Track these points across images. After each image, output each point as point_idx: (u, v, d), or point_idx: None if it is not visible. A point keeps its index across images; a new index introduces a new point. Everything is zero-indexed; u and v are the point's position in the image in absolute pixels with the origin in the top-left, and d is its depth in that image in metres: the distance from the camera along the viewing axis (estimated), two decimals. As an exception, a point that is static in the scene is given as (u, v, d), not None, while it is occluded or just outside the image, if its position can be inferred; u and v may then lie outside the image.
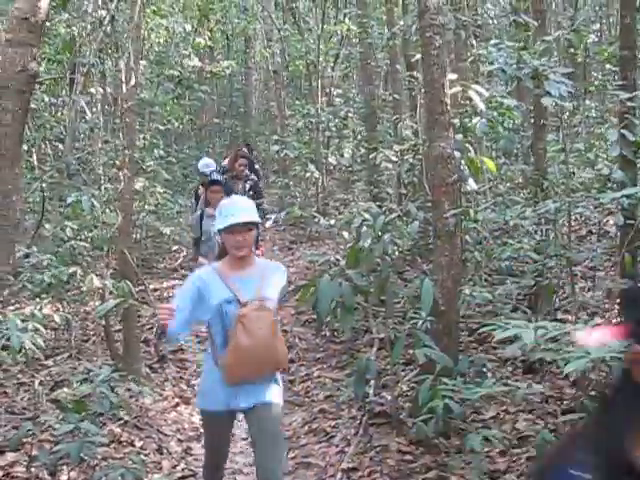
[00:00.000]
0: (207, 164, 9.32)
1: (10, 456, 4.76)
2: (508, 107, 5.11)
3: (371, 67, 10.54)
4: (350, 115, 12.99)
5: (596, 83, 12.37)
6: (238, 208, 3.47)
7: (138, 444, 5.16)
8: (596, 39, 14.14)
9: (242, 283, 3.46)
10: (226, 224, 3.39)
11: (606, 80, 11.44)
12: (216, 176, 8.88)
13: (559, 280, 5.70)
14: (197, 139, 18.54)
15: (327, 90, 12.93)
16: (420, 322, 4.37)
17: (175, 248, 11.54)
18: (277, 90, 15.67)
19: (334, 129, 11.66)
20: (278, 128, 14.72)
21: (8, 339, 3.96)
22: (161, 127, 13.86)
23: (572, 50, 11.09)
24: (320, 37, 11.26)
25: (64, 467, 4.33)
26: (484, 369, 4.81)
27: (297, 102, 14.04)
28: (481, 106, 4.55)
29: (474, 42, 8.07)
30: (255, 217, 3.49)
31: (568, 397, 4.93)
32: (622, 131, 3.77)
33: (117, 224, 6.26)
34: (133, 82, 6.26)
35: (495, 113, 4.59)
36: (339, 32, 12.78)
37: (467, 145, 4.65)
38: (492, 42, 4.03)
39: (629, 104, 3.84)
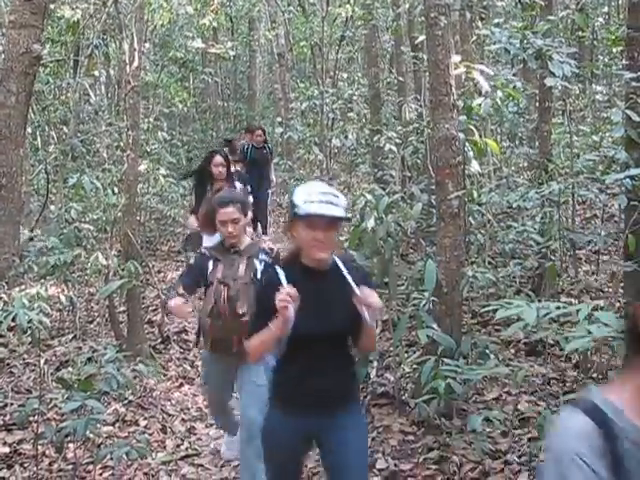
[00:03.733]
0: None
1: (18, 433, 4.84)
2: (514, 88, 5.08)
3: (375, 49, 10.48)
4: (355, 98, 12.95)
5: (602, 66, 12.29)
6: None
7: (142, 423, 5.22)
8: (604, 22, 14.03)
9: None
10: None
11: (613, 63, 11.37)
12: None
13: (562, 263, 5.70)
14: (202, 122, 18.49)
15: (331, 73, 12.87)
16: (423, 303, 4.37)
17: (179, 230, 11.58)
18: (281, 73, 15.62)
19: (338, 112, 11.62)
20: (282, 111, 14.70)
21: (14, 318, 3.98)
22: (165, 110, 13.84)
23: (580, 33, 11.03)
24: (324, 19, 11.20)
25: (70, 445, 4.39)
26: (487, 351, 4.82)
27: (301, 85, 13.97)
28: (485, 86, 4.53)
29: (480, 24, 8.01)
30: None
31: (570, 379, 4.96)
32: (627, 112, 3.75)
33: (121, 206, 6.28)
34: (136, 63, 6.24)
35: (499, 93, 4.56)
36: (343, 14, 12.70)
37: (471, 127, 4.64)
38: (495, 21, 4.00)
39: (634, 84, 3.82)
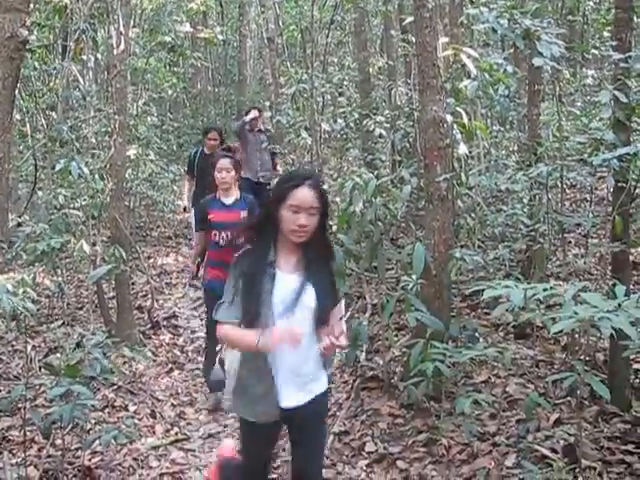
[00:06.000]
0: None
1: (6, 420, 4.82)
2: (504, 72, 5.05)
3: (365, 33, 10.42)
4: (345, 83, 12.88)
5: (593, 49, 12.23)
6: None
7: (132, 409, 5.21)
8: (594, 5, 13.95)
9: None
10: None
11: (603, 46, 11.32)
12: None
13: (551, 246, 5.70)
14: (192, 108, 18.39)
15: (321, 57, 12.78)
16: (410, 285, 4.36)
17: (169, 216, 11.54)
18: (271, 57, 15.51)
19: (329, 96, 11.57)
20: (272, 96, 14.61)
21: (-1, 305, 3.93)
22: (154, 95, 13.74)
23: (570, 17, 10.97)
24: (314, 3, 11.10)
25: (59, 431, 4.37)
26: (476, 334, 4.83)
27: (291, 69, 13.88)
28: (473, 69, 4.50)
29: (470, 7, 7.94)
30: None
31: (558, 361, 4.97)
32: (615, 93, 3.73)
33: (107, 191, 6.23)
34: (123, 47, 6.18)
35: (487, 76, 4.54)
36: (333, -2, 12.63)
37: (459, 109, 4.61)
38: (482, 1, 3.97)
39: (622, 65, 3.80)
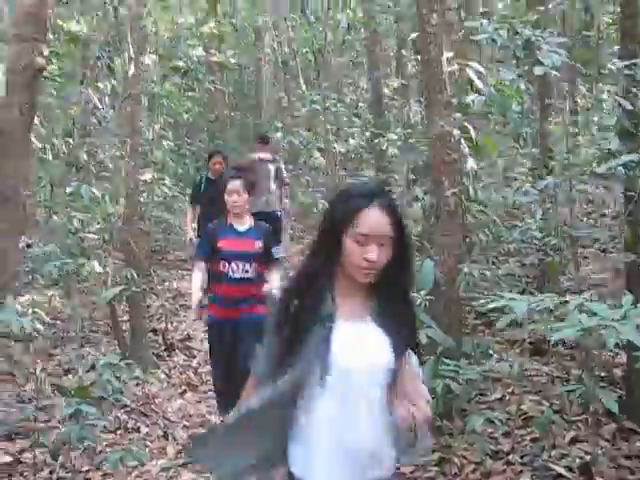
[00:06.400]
0: None
1: (20, 443, 4.82)
2: (517, 88, 5.02)
3: (378, 53, 10.47)
4: (361, 104, 12.95)
5: (610, 66, 12.17)
6: None
7: (144, 430, 5.18)
8: (610, 21, 13.93)
9: None
10: None
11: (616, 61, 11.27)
12: None
13: (562, 259, 5.63)
14: (209, 132, 18.51)
15: (335, 78, 12.87)
16: (419, 301, 4.31)
17: (185, 239, 11.59)
18: (286, 81, 15.64)
19: (345, 118, 11.60)
20: (288, 119, 14.70)
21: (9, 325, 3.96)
22: (170, 120, 13.89)
23: (585, 32, 10.97)
24: (326, 25, 11.19)
25: (70, 453, 4.36)
26: (489, 351, 4.76)
27: (305, 91, 13.96)
28: (479, 84, 4.48)
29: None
30: None
31: (574, 377, 4.88)
32: (620, 100, 3.69)
33: (119, 214, 6.27)
34: (133, 71, 6.26)
35: (493, 90, 4.51)
36: (345, 20, 12.71)
37: (466, 124, 4.59)
38: (481, 10, 3.96)
39: (626, 72, 3.75)
